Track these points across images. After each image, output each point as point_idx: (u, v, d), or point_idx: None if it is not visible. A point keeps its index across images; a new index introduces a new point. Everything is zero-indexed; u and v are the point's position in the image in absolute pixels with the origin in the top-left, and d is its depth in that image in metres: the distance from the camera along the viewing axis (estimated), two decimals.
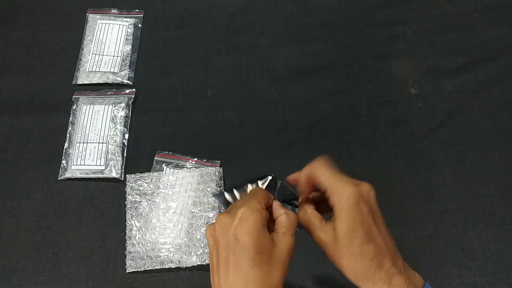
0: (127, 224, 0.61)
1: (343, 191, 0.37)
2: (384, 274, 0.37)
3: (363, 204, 0.37)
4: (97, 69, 0.71)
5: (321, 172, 0.40)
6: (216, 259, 0.38)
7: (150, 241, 0.59)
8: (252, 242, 0.36)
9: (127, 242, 0.60)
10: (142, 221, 0.60)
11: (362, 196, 0.38)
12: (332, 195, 0.38)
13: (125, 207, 0.61)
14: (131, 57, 0.72)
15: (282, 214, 0.40)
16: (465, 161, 0.64)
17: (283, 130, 0.67)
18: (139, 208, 0.61)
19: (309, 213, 0.41)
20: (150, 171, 0.63)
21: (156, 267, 0.58)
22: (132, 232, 0.60)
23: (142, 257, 0.59)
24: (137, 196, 0.62)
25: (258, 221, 0.37)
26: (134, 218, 0.61)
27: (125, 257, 0.59)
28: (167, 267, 0.58)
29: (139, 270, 0.58)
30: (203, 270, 0.58)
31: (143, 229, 0.60)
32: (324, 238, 0.39)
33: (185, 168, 0.64)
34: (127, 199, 0.62)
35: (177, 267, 0.58)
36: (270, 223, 0.40)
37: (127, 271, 0.58)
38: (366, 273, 0.37)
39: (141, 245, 0.59)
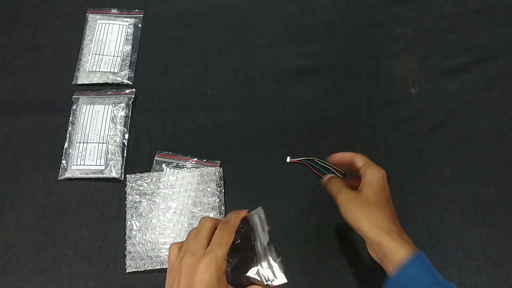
0: (127, 224, 0.61)
1: (376, 169, 0.49)
2: (397, 229, 0.45)
3: (386, 181, 0.49)
4: (97, 69, 0.71)
5: (360, 156, 0.52)
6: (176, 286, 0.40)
7: (150, 241, 0.59)
8: None
9: (127, 242, 0.60)
10: (142, 221, 0.60)
11: (385, 176, 0.49)
12: (367, 170, 0.49)
13: (125, 207, 0.61)
14: (131, 57, 0.72)
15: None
16: (465, 161, 0.64)
17: (283, 130, 0.67)
18: (139, 208, 0.61)
19: (338, 180, 0.52)
20: (150, 171, 0.63)
21: (156, 267, 0.58)
22: (132, 232, 0.60)
23: (142, 257, 0.59)
24: (137, 196, 0.62)
25: (218, 272, 0.39)
26: (134, 218, 0.61)
27: (125, 257, 0.59)
28: (167, 267, 0.58)
29: (139, 270, 0.58)
30: None
31: (143, 229, 0.60)
32: (351, 197, 0.48)
33: (185, 168, 0.64)
34: (127, 199, 0.62)
35: None
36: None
37: (127, 271, 0.58)
38: (386, 224, 0.45)
39: (141, 245, 0.59)
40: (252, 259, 0.41)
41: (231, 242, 0.41)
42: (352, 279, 0.58)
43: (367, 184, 0.48)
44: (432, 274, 0.42)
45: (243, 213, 0.44)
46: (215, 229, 0.42)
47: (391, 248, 0.43)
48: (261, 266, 0.41)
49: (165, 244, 0.59)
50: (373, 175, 0.48)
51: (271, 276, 0.40)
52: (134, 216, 0.61)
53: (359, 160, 0.51)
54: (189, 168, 0.63)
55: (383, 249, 0.43)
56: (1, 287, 0.59)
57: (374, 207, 0.46)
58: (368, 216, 0.45)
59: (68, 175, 0.64)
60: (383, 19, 0.75)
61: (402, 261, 0.42)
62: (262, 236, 0.42)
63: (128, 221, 0.61)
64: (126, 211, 0.61)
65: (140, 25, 0.75)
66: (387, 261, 0.44)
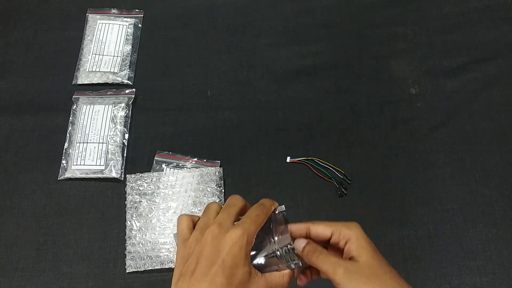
0: (127, 224, 0.61)
1: (354, 229, 0.40)
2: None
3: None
4: (97, 69, 0.71)
5: (319, 223, 0.42)
6: (194, 265, 0.37)
7: (150, 241, 0.59)
8: (233, 270, 0.36)
9: (127, 242, 0.60)
10: (142, 221, 0.60)
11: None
12: (345, 235, 0.41)
13: (125, 207, 0.61)
14: (131, 57, 0.72)
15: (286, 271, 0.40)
16: (465, 161, 0.64)
17: (283, 130, 0.67)
18: (139, 208, 0.61)
19: (324, 251, 0.41)
20: (150, 171, 0.63)
21: (156, 267, 0.58)
22: (132, 232, 0.60)
23: (142, 257, 0.59)
24: (137, 196, 0.62)
25: (247, 247, 0.37)
26: (134, 218, 0.61)
27: (125, 257, 0.59)
28: (167, 267, 0.58)
29: (139, 270, 0.58)
30: None
31: (143, 229, 0.60)
32: (355, 271, 0.39)
33: (185, 168, 0.64)
34: (127, 199, 0.62)
35: None
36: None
37: (127, 271, 0.58)
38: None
39: (141, 245, 0.59)
40: (270, 247, 0.40)
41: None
42: None
43: (357, 247, 0.40)
44: None
45: (275, 203, 0.42)
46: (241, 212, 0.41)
47: None
48: (278, 252, 0.40)
49: (165, 244, 0.59)
50: (357, 235, 0.40)
51: (288, 259, 0.40)
52: (134, 216, 0.61)
53: (321, 225, 0.42)
54: (189, 168, 0.63)
55: None
56: (1, 287, 0.59)
57: (380, 275, 0.38)
58: (380, 284, 0.38)
59: (68, 175, 0.64)
60: (383, 19, 0.75)
61: None
62: (282, 236, 0.41)
63: (128, 221, 0.61)
64: (126, 211, 0.61)
65: (140, 25, 0.75)
66: None
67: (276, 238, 0.40)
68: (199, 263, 0.36)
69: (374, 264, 0.39)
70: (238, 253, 0.36)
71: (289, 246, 0.40)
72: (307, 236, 0.42)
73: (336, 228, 0.41)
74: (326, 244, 0.42)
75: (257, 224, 0.39)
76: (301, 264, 0.40)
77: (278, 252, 0.40)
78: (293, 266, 0.40)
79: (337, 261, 0.39)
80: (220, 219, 0.39)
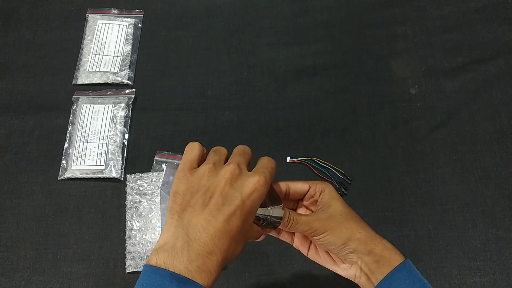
0: (127, 224, 0.61)
1: (327, 184, 0.45)
2: (380, 239, 0.42)
3: None
4: (97, 69, 0.71)
5: (297, 181, 0.46)
6: (207, 199, 0.35)
7: (150, 241, 0.59)
8: (248, 216, 0.35)
9: (127, 242, 0.60)
10: (142, 221, 0.60)
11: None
12: (320, 187, 0.45)
13: (125, 207, 0.61)
14: (131, 57, 0.72)
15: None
16: (465, 161, 0.64)
17: (283, 130, 0.67)
18: (139, 208, 0.61)
19: (296, 213, 0.43)
20: (150, 171, 0.63)
21: None
22: (132, 232, 0.60)
23: (142, 257, 0.59)
24: (137, 196, 0.62)
25: (262, 197, 0.37)
26: (134, 218, 0.61)
27: (125, 257, 0.59)
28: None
29: (139, 270, 0.58)
30: None
31: (143, 229, 0.60)
32: (320, 221, 0.42)
33: None
34: (127, 199, 0.62)
35: None
36: None
37: (127, 271, 0.58)
38: (373, 233, 0.42)
39: (141, 245, 0.59)
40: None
41: None
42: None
43: (329, 200, 0.43)
44: (420, 281, 0.40)
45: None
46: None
47: (384, 256, 0.41)
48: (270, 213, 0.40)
49: None
50: (329, 191, 0.44)
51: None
52: (134, 216, 0.61)
53: (299, 183, 0.45)
54: None
55: (375, 257, 0.41)
56: (1, 287, 0.59)
57: (355, 217, 0.43)
58: (354, 227, 0.42)
59: (68, 175, 0.64)
60: (383, 19, 0.75)
61: (393, 267, 0.40)
62: (273, 198, 0.41)
63: (128, 221, 0.61)
64: (126, 211, 0.61)
65: (140, 25, 0.75)
66: (378, 270, 0.40)
67: (268, 199, 0.40)
68: (214, 198, 0.35)
69: (344, 210, 0.43)
70: (257, 201, 0.36)
71: (274, 213, 0.41)
72: (286, 193, 0.46)
73: (312, 183, 0.45)
74: (300, 200, 0.47)
75: (272, 177, 0.39)
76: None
77: (270, 213, 0.40)
78: (269, 229, 0.42)
79: (311, 215, 0.42)
80: (238, 161, 0.38)
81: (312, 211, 0.46)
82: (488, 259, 0.59)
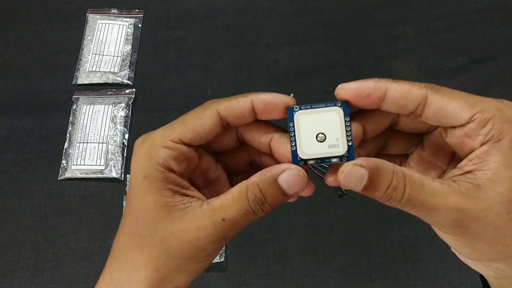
0: None
1: (501, 112, 0.21)
2: None
3: None
4: (97, 69, 0.71)
5: (415, 85, 0.23)
6: None
7: None
8: (129, 202, 0.25)
9: None
10: None
11: None
12: (493, 133, 0.22)
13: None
14: (131, 57, 0.72)
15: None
16: None
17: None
18: None
19: (407, 170, 0.23)
20: None
21: None
22: None
23: None
24: None
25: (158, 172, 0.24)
26: None
27: None
28: None
29: None
30: None
31: None
32: (467, 205, 0.21)
33: None
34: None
35: None
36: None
37: None
38: None
39: None
40: None
41: None
42: (352, 279, 0.58)
43: (493, 155, 0.21)
44: None
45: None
46: None
47: None
48: None
49: None
50: (498, 126, 0.22)
51: None
52: None
53: (446, 99, 0.23)
54: None
55: None
56: (1, 287, 0.59)
57: None
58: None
59: (68, 175, 0.64)
60: (383, 19, 0.74)
61: None
62: None
63: None
64: None
65: (140, 25, 0.75)
66: None
67: None
68: None
69: None
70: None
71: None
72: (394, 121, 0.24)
73: (479, 104, 0.23)
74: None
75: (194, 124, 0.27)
76: None
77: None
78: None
79: (440, 190, 0.22)
80: None
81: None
82: None
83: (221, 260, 0.58)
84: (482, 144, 0.22)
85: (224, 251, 0.59)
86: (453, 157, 0.25)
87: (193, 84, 0.71)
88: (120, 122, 0.67)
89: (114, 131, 0.66)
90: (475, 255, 0.25)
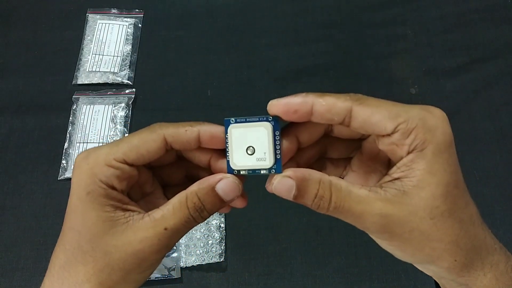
0: None
1: (436, 132, 0.22)
2: (499, 245, 0.25)
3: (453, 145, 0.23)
4: (97, 69, 0.71)
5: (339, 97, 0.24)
6: None
7: None
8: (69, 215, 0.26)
9: None
10: None
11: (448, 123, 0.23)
12: (420, 139, 0.22)
13: None
14: (131, 57, 0.72)
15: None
16: (465, 161, 0.64)
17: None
18: None
19: (334, 179, 0.24)
20: None
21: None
22: None
23: None
24: None
25: (99, 185, 0.25)
26: None
27: None
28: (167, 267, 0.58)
29: None
30: (202, 270, 0.58)
31: None
32: (387, 209, 0.22)
33: None
34: None
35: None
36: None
37: None
38: (481, 246, 0.24)
39: None
40: None
41: None
42: (352, 279, 0.58)
43: (421, 161, 0.23)
44: None
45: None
46: None
47: None
48: None
49: None
50: (438, 139, 0.23)
51: None
52: None
53: (369, 110, 0.24)
54: None
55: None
56: (1, 287, 0.59)
57: (452, 223, 0.24)
58: (446, 243, 0.24)
59: (68, 175, 0.64)
60: (383, 19, 0.75)
61: None
62: None
63: None
64: None
65: (140, 25, 0.75)
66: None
67: None
68: None
69: (448, 205, 0.23)
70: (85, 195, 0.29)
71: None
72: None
73: (403, 111, 0.23)
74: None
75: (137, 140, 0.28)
76: None
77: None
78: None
79: (365, 196, 0.23)
80: None
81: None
82: None
83: (221, 260, 0.58)
84: (408, 153, 0.23)
85: (224, 251, 0.59)
86: (390, 162, 0.26)
87: (193, 84, 0.71)
88: (120, 122, 0.67)
89: (114, 131, 0.66)
90: (408, 258, 0.25)
